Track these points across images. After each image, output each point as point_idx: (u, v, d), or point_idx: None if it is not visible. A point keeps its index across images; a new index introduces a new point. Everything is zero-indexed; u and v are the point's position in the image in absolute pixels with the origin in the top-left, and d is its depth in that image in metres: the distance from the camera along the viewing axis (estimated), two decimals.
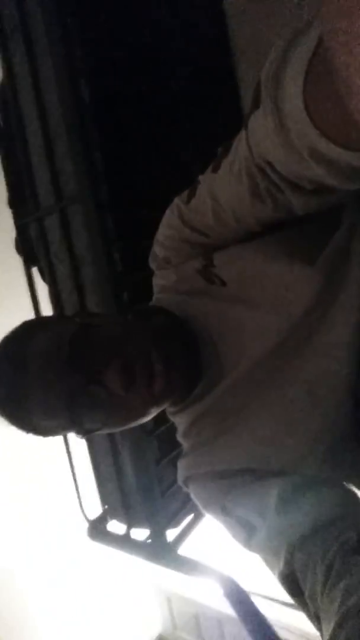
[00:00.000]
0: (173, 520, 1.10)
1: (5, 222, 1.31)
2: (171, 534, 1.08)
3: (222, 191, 0.53)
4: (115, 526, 1.16)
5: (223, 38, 1.36)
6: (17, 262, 1.32)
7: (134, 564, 2.12)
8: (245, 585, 0.90)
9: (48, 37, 1.00)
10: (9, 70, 1.12)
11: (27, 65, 1.06)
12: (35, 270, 1.31)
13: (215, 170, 0.54)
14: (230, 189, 0.52)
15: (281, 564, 0.50)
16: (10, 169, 1.21)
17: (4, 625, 1.95)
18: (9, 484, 1.99)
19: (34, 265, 1.30)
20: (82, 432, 0.56)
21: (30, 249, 1.27)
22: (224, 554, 1.12)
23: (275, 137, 0.38)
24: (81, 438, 0.59)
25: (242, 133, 0.45)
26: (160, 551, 1.00)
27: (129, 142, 1.07)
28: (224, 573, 0.92)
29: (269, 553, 0.52)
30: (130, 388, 0.52)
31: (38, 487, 2.06)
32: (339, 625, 0.38)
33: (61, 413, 0.53)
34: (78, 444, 1.25)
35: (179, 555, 1.01)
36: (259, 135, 0.40)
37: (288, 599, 0.52)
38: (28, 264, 1.30)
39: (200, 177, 0.58)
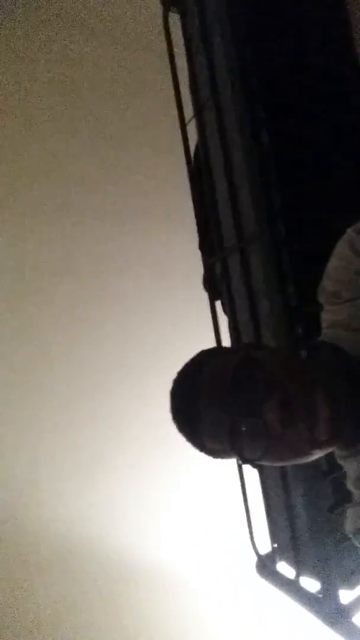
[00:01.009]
0: (349, 580, 0.98)
1: (196, 262, 1.49)
2: (347, 596, 0.96)
3: None
4: (284, 568, 1.11)
5: None
6: (204, 297, 1.48)
7: (300, 619, 1.94)
8: None
9: (233, 98, 1.13)
10: (202, 131, 1.31)
11: (216, 124, 1.22)
12: (219, 304, 1.45)
13: None
14: None
15: None
16: (200, 217, 1.39)
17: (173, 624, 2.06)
18: (188, 503, 2.14)
19: (218, 299, 1.44)
20: (244, 460, 0.58)
21: (215, 285, 1.40)
22: None
23: None
24: (245, 464, 0.61)
25: None
26: (330, 610, 0.91)
27: (306, 183, 1.09)
28: None
29: None
30: (288, 425, 0.52)
31: (216, 512, 2.14)
32: None
33: (223, 439, 0.56)
34: (254, 474, 1.27)
35: (353, 623, 0.88)
36: None
37: None
38: (213, 299, 1.44)
39: None
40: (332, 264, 0.66)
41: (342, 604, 0.92)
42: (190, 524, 2.15)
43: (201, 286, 1.51)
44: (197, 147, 1.39)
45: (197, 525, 2.15)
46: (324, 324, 0.73)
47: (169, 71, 1.45)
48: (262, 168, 1.06)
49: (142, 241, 2.15)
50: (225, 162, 1.19)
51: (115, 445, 2.09)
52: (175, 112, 1.44)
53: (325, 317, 0.72)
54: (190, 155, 1.41)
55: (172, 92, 1.43)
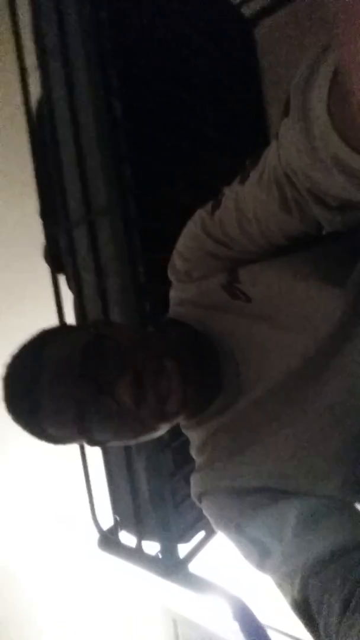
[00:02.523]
0: (185, 536, 1.08)
1: (36, 231, 1.36)
2: (182, 549, 1.07)
3: (249, 202, 0.53)
4: (126, 538, 1.15)
5: (253, 61, 1.39)
6: (45, 270, 1.36)
7: (143, 581, 2.09)
8: (256, 612, 0.87)
9: (85, 57, 1.04)
10: (46, 87, 1.18)
11: (64, 82, 1.11)
12: (62, 279, 1.35)
13: (242, 181, 0.54)
14: (257, 200, 0.51)
15: (295, 590, 0.48)
16: (42, 181, 1.25)
17: (4, 631, 1.95)
18: (23, 485, 2.01)
19: (61, 273, 1.34)
20: (92, 442, 0.55)
21: (58, 258, 1.30)
22: (236, 575, 1.10)
23: (301, 144, 0.38)
24: (92, 446, 0.59)
25: (273, 142, 0.45)
26: (170, 566, 0.99)
27: (158, 159, 1.10)
28: (233, 594, 0.90)
29: (282, 577, 0.50)
30: (142, 401, 0.52)
31: (51, 493, 2.07)
32: None
33: (71, 423, 0.53)
34: (94, 451, 1.26)
35: (189, 572, 0.99)
36: (287, 143, 0.41)
37: (300, 634, 0.50)
38: (55, 273, 1.33)
39: (226, 189, 0.58)
40: (184, 243, 0.68)
41: (179, 558, 1.02)
42: (28, 511, 2.03)
43: (41, 257, 1.39)
44: (40, 100, 1.24)
45: (35, 512, 2.05)
46: (172, 301, 0.75)
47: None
48: (114, 139, 1.02)
49: None
50: (74, 124, 1.10)
51: None
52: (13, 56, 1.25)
53: (175, 294, 0.74)
54: (30, 108, 1.25)
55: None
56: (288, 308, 0.56)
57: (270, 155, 0.46)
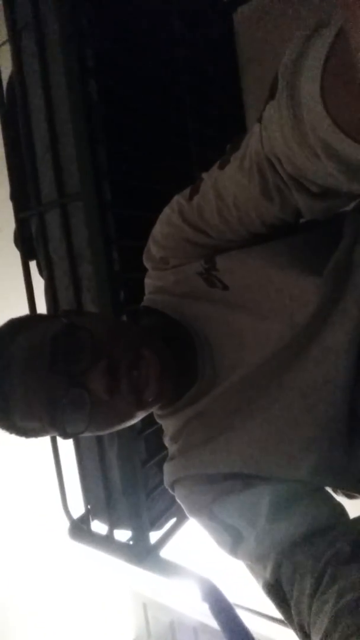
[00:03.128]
0: (156, 523, 1.09)
1: (6, 215, 1.31)
2: (153, 536, 1.07)
3: (228, 188, 0.52)
4: (98, 526, 1.15)
5: (231, 47, 1.38)
6: (15, 255, 1.32)
7: (113, 567, 2.10)
8: (226, 593, 0.89)
9: (60, 35, 1.00)
10: (19, 65, 1.13)
11: (38, 60, 1.07)
12: (33, 265, 1.31)
13: (222, 166, 0.52)
14: (238, 186, 0.50)
15: (267, 572, 0.49)
16: (14, 163, 1.21)
17: None
18: None
19: (33, 259, 1.30)
20: (64, 435, 0.53)
21: (29, 243, 1.26)
22: (206, 559, 1.12)
23: (288, 128, 0.36)
24: (65, 439, 0.58)
25: (256, 126, 0.44)
26: (141, 553, 1.00)
27: (134, 143, 1.08)
28: (203, 576, 0.92)
29: (255, 561, 0.51)
30: (115, 392, 0.51)
31: (22, 482, 2.04)
32: (332, 624, 0.37)
33: (41, 416, 0.51)
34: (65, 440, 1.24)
35: (160, 557, 1.00)
36: (272, 127, 0.39)
37: (269, 611, 0.51)
38: (26, 258, 1.30)
39: (204, 174, 0.57)
40: (160, 230, 0.66)
41: (150, 545, 1.02)
42: None
43: (12, 242, 1.34)
44: (11, 77, 1.19)
45: (5, 501, 2.01)
46: (148, 289, 0.74)
47: None
48: (89, 121, 0.98)
49: None
50: (47, 104, 1.06)
51: None
52: None
53: (150, 282, 0.73)
54: (1, 85, 1.20)
55: None
56: (265, 297, 0.56)
57: (252, 139, 0.44)
